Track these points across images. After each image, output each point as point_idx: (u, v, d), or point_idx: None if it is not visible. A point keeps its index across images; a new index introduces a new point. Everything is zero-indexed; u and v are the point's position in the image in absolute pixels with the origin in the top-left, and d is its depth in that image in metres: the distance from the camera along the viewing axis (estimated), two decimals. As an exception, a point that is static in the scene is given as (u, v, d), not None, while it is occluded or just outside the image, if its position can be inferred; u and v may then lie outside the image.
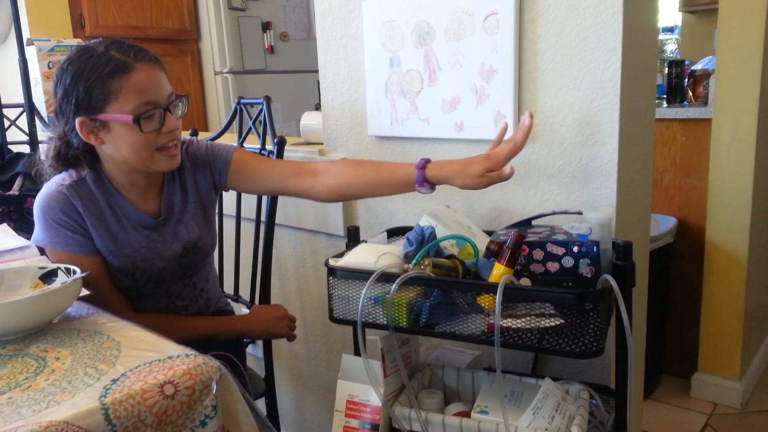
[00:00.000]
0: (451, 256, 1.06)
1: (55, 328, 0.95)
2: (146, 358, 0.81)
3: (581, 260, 0.99)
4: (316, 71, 1.60)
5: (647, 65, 1.24)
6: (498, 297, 0.88)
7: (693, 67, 2.46)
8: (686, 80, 2.44)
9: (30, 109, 2.04)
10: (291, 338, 1.42)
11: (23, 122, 2.11)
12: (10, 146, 2.01)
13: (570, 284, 0.99)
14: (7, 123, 2.10)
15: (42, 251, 1.20)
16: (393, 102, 1.43)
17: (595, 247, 0.98)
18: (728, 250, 2.14)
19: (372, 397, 1.06)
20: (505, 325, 0.92)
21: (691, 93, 2.40)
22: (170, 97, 1.14)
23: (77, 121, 1.10)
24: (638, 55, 1.18)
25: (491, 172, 1.07)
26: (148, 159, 1.14)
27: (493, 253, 1.04)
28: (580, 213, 1.07)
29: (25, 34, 2.80)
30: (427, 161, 1.13)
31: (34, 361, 0.83)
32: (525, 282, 0.99)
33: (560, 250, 1.00)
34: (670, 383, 2.39)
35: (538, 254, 1.01)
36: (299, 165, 1.28)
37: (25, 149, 2.04)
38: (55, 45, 2.71)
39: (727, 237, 2.14)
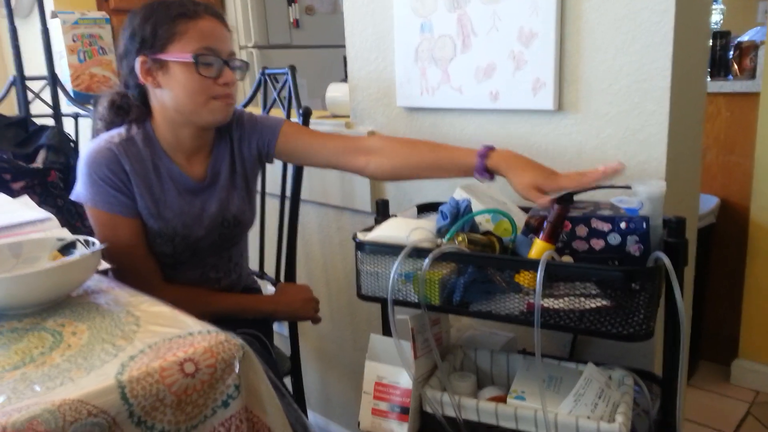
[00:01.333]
0: (487, 233, 1.00)
1: (73, 301, 0.91)
2: (166, 334, 0.76)
3: (629, 237, 0.92)
4: (343, 46, 1.53)
5: (700, 28, 1.15)
6: (539, 274, 0.82)
7: (739, 39, 2.32)
8: (731, 52, 2.31)
9: (53, 81, 2.01)
10: (316, 321, 1.39)
11: (47, 95, 2.09)
12: (34, 119, 1.99)
13: (616, 263, 0.92)
14: (31, 96, 2.08)
15: (70, 218, 1.17)
16: (423, 70, 1.36)
17: (644, 223, 0.91)
18: (774, 232, 2.04)
19: (402, 379, 1.01)
20: (545, 305, 0.86)
21: (736, 66, 2.27)
22: (231, 55, 1.15)
23: (138, 59, 1.10)
24: (690, 16, 1.09)
25: (539, 190, 0.98)
26: (202, 105, 1.12)
27: (533, 228, 0.97)
28: (628, 187, 0.99)
29: (50, 7, 2.77)
30: (491, 149, 1.07)
31: (50, 335, 0.79)
32: (567, 260, 0.92)
33: (606, 226, 0.93)
34: (709, 369, 2.30)
35: (581, 230, 0.94)
36: (352, 141, 1.24)
37: (49, 122, 2.02)
38: (79, 18, 2.68)
39: (773, 217, 2.03)
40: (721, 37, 2.32)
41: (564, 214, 0.91)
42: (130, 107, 1.17)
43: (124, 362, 0.70)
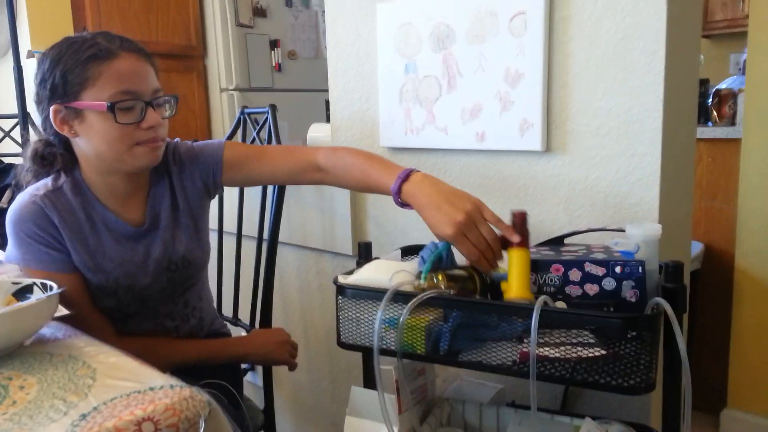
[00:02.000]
0: (465, 268, 0.95)
1: (25, 351, 0.83)
2: (124, 389, 0.69)
3: (624, 282, 0.87)
4: (324, 90, 1.51)
5: (690, 71, 1.14)
6: (534, 321, 0.76)
7: (717, 87, 2.36)
8: (710, 100, 2.34)
9: (24, 119, 1.95)
10: (292, 366, 1.30)
11: (18, 135, 2.02)
12: (3, 158, 1.91)
13: (611, 309, 0.87)
14: (1, 134, 2.01)
15: (22, 267, 1.09)
16: (408, 111, 1.33)
17: (640, 268, 0.87)
18: (760, 277, 2.01)
19: (384, 436, 0.93)
20: (540, 354, 0.80)
21: (716, 113, 2.30)
22: (155, 93, 1.05)
23: (51, 108, 1.02)
24: (681, 58, 1.07)
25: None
26: (125, 152, 1.03)
27: (505, 244, 0.92)
28: (621, 230, 0.95)
29: (27, 47, 2.73)
30: (410, 173, 1.00)
31: (-6, 389, 0.71)
32: (561, 306, 0.87)
33: (600, 271, 0.88)
34: (698, 419, 2.23)
35: (574, 275, 0.89)
36: (302, 160, 1.16)
37: (18, 161, 1.95)
38: (56, 57, 2.65)
39: (758, 263, 2.01)
40: (700, 84, 2.35)
41: (524, 215, 0.91)
42: (54, 156, 1.08)
43: (75, 421, 0.62)
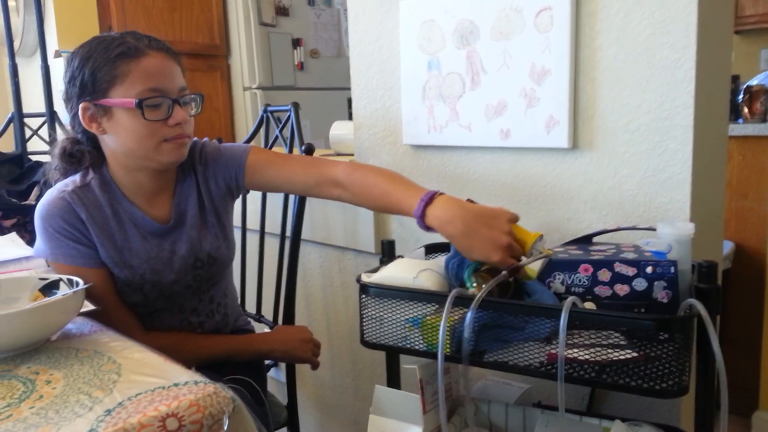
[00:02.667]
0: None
1: (51, 346, 0.84)
2: (148, 385, 0.69)
3: (656, 283, 0.85)
4: (346, 89, 1.50)
5: (721, 66, 1.11)
6: (563, 322, 0.75)
7: (748, 83, 2.30)
8: (740, 96, 2.29)
9: (51, 118, 1.97)
10: (314, 365, 1.30)
11: (46, 133, 2.05)
12: (31, 156, 1.94)
13: (642, 311, 0.85)
14: (29, 133, 2.04)
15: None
16: (431, 108, 1.32)
17: (672, 268, 0.84)
18: (792, 279, 1.96)
19: (408, 436, 0.92)
20: (569, 355, 0.79)
21: (747, 109, 2.24)
22: (182, 91, 1.06)
23: (80, 106, 1.03)
24: (713, 52, 1.04)
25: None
26: (152, 149, 1.04)
27: None
28: (652, 229, 0.93)
29: (54, 46, 2.78)
30: (429, 202, 0.97)
31: (22, 384, 0.72)
32: (590, 307, 0.85)
33: (631, 271, 0.86)
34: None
35: (604, 275, 0.87)
36: (320, 174, 1.15)
37: (46, 159, 1.97)
38: (83, 57, 2.69)
39: (790, 264, 1.96)
40: (731, 81, 2.30)
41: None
42: (82, 154, 1.09)
43: (100, 416, 0.62)
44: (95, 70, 1.01)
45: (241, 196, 1.33)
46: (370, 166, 1.16)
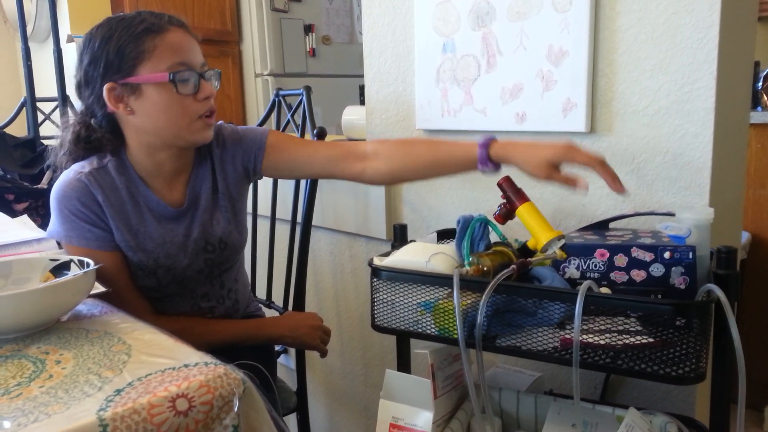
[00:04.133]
0: (497, 244, 0.92)
1: (61, 327, 0.83)
2: (159, 366, 0.68)
3: (673, 268, 0.83)
4: (358, 76, 1.48)
5: (745, 45, 1.08)
6: (578, 306, 0.73)
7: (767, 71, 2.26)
8: (760, 84, 2.24)
9: (64, 102, 1.97)
10: (323, 353, 1.29)
11: (58, 117, 2.05)
12: (44, 141, 1.94)
13: (659, 297, 0.84)
14: (42, 117, 2.04)
15: (60, 245, 1.10)
16: (445, 91, 1.30)
17: (690, 254, 0.82)
18: (810, 270, 1.93)
19: (419, 421, 0.91)
20: (583, 340, 0.77)
21: (766, 97, 2.20)
22: (203, 67, 1.06)
23: (105, 87, 1.00)
24: (736, 33, 1.02)
25: (558, 168, 0.93)
26: (184, 126, 1.04)
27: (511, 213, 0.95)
28: (671, 214, 0.91)
29: (67, 31, 2.77)
30: (492, 139, 1.00)
31: (32, 363, 0.72)
32: (605, 292, 0.83)
33: (648, 256, 0.84)
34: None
35: (620, 260, 0.86)
36: (345, 148, 1.15)
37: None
38: (95, 42, 2.68)
39: (809, 255, 1.92)
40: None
41: (508, 178, 0.96)
42: (100, 139, 1.07)
43: (109, 396, 0.62)
44: (121, 48, 0.99)
45: (252, 183, 1.32)
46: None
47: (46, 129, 2.06)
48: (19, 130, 2.03)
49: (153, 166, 1.09)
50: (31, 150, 1.85)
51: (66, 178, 1.06)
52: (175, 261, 1.11)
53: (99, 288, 0.93)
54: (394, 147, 1.13)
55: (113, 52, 0.99)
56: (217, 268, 1.18)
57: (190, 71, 1.02)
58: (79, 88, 1.06)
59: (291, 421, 1.48)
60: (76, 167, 1.08)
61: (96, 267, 0.87)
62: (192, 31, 1.07)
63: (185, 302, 1.17)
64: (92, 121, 1.08)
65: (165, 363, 0.69)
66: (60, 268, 0.93)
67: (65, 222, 1.05)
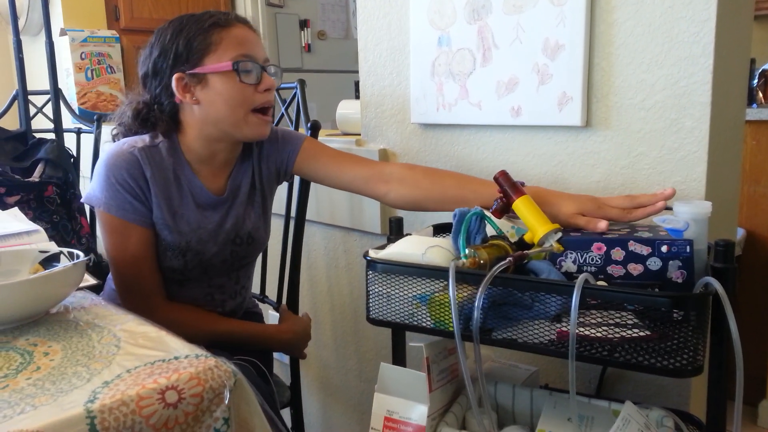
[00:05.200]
0: (493, 237, 0.92)
1: (50, 319, 0.82)
2: (148, 358, 0.67)
3: (670, 262, 0.83)
4: (353, 71, 1.47)
5: (741, 41, 1.08)
6: (575, 299, 0.72)
7: (764, 67, 2.26)
8: (755, 81, 2.24)
9: (56, 96, 1.95)
10: (303, 357, 1.35)
11: (51, 110, 2.02)
12: (35, 133, 1.92)
13: (656, 290, 0.83)
14: (34, 110, 2.02)
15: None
16: (440, 85, 1.29)
17: (688, 247, 0.82)
18: (805, 267, 1.93)
19: (414, 414, 0.91)
20: (580, 333, 0.76)
21: (761, 94, 2.20)
22: (266, 62, 1.11)
23: (174, 77, 1.06)
24: (732, 28, 1.01)
25: (583, 216, 0.95)
26: (242, 119, 1.08)
27: (508, 207, 0.95)
28: (669, 208, 0.90)
29: (59, 24, 2.75)
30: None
31: (19, 355, 0.70)
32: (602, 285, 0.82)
33: (645, 250, 0.84)
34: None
35: (617, 254, 0.85)
36: (374, 169, 1.17)
37: (51, 137, 1.96)
38: (88, 36, 2.65)
39: (803, 252, 1.93)
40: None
41: (504, 173, 0.96)
42: (157, 120, 1.11)
43: (97, 389, 0.61)
44: (190, 40, 1.05)
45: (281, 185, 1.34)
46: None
47: (37, 122, 2.04)
48: (11, 123, 2.01)
49: (206, 154, 1.13)
50: (23, 143, 1.83)
51: (119, 149, 1.08)
52: (205, 247, 1.14)
53: (89, 280, 0.92)
54: (422, 175, 1.14)
55: (183, 45, 1.05)
56: (238, 261, 1.21)
57: (253, 63, 1.07)
58: (146, 78, 1.11)
59: (285, 415, 1.47)
60: (129, 140, 1.10)
61: (85, 259, 0.86)
62: (257, 30, 1.13)
63: (202, 290, 1.19)
64: (155, 107, 1.11)
65: (155, 355, 0.68)
66: (49, 260, 0.92)
67: (108, 189, 1.07)
